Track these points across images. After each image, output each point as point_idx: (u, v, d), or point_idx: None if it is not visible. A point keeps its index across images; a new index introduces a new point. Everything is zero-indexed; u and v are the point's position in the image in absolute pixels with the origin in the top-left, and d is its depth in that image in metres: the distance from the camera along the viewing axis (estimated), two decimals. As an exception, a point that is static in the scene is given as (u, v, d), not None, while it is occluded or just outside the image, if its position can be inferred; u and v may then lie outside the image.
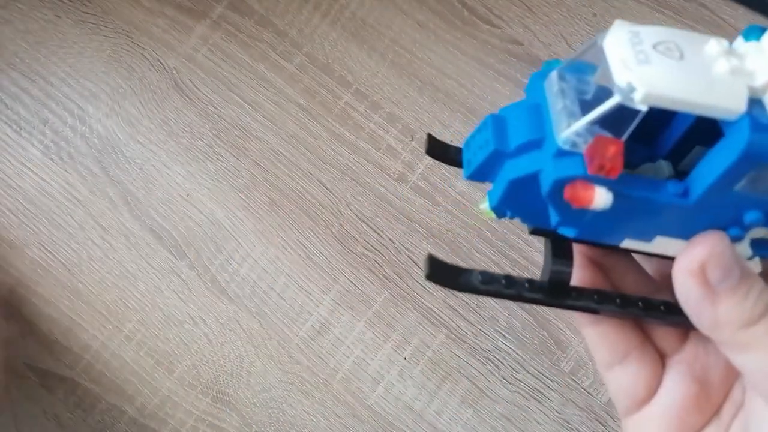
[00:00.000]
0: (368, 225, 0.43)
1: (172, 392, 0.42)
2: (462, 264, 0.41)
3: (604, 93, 0.18)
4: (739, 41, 0.19)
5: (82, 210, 0.45)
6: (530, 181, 0.19)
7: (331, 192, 0.44)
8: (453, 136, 0.44)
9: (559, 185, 0.18)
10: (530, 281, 0.21)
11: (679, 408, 0.22)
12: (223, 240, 0.44)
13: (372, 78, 0.46)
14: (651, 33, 0.18)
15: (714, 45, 0.18)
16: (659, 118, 0.21)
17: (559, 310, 0.41)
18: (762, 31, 0.18)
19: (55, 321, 0.43)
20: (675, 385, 0.22)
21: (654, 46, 0.18)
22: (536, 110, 0.20)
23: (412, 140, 0.44)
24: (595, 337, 0.23)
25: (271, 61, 0.46)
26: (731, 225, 0.19)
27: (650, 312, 0.22)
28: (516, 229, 0.43)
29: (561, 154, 0.18)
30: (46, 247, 0.44)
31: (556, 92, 0.20)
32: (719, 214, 0.19)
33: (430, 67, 0.45)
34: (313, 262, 0.43)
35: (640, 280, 0.24)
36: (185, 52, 0.47)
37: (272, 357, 0.42)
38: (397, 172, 0.44)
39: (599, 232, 0.20)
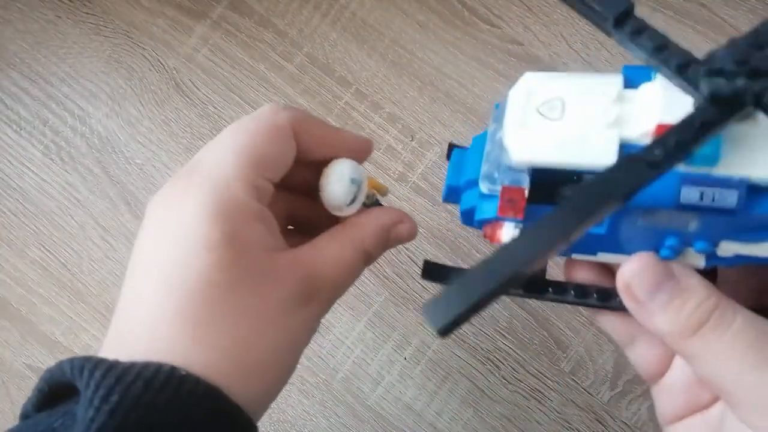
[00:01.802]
0: (368, 225, 0.43)
1: (172, 392, 0.42)
2: (463, 264, 0.41)
3: None
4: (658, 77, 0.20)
5: (82, 210, 0.45)
6: (472, 212, 0.23)
7: (331, 192, 0.44)
8: (453, 136, 0.44)
9: (480, 223, 0.22)
10: None
11: (685, 384, 0.24)
12: (223, 240, 0.44)
13: (372, 78, 0.46)
14: (544, 91, 0.20)
15: (601, 97, 0.20)
16: None
17: (559, 311, 0.41)
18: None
19: (55, 321, 0.43)
20: (683, 364, 0.25)
21: (538, 108, 0.20)
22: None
23: (412, 140, 0.44)
24: (605, 324, 0.26)
25: (271, 61, 0.46)
26: (660, 247, 0.21)
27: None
28: (516, 229, 0.43)
29: (483, 196, 0.22)
30: (46, 247, 0.44)
31: (490, 134, 0.22)
32: (644, 239, 0.21)
33: (430, 67, 0.45)
34: (313, 262, 0.43)
35: None
36: (185, 52, 0.47)
37: (272, 357, 0.42)
38: (397, 172, 0.44)
39: None
